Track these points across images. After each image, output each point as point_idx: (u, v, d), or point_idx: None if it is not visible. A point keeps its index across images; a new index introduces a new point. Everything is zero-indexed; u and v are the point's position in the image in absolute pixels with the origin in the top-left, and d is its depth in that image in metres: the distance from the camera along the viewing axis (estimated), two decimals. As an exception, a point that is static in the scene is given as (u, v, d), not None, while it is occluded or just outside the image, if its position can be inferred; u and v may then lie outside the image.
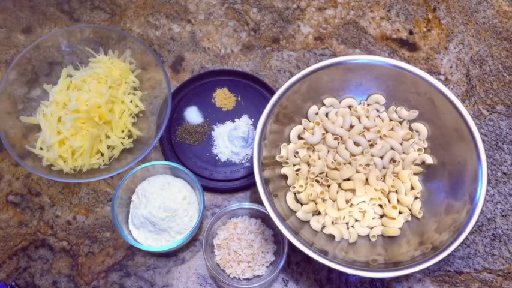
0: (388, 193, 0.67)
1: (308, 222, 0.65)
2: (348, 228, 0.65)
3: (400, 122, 0.70)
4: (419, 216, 0.65)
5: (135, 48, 0.76)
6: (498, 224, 0.71)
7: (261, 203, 0.60)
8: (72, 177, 0.69)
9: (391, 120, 0.70)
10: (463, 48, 0.84)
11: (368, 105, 0.71)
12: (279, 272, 0.65)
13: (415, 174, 0.68)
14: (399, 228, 0.65)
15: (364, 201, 0.66)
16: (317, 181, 0.66)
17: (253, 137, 0.74)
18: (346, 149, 0.67)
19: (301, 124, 0.70)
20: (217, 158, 0.74)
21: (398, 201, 0.66)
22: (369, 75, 0.68)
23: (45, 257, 0.69)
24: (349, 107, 0.71)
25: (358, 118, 0.70)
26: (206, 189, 0.72)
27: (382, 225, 0.66)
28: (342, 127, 0.69)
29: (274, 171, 0.65)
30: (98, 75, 0.74)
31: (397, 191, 0.67)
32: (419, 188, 0.67)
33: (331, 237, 0.64)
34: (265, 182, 0.61)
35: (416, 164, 0.68)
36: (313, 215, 0.66)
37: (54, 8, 0.87)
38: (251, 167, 0.73)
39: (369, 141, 0.67)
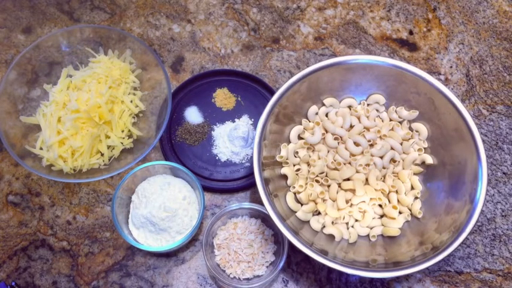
0: (388, 193, 0.67)
1: (308, 222, 0.65)
2: (348, 228, 0.66)
3: (400, 122, 0.70)
4: (419, 216, 0.65)
5: (135, 48, 0.76)
6: (498, 224, 0.71)
7: (261, 203, 0.60)
8: (72, 177, 0.69)
9: (391, 120, 0.70)
10: (463, 48, 0.84)
11: (368, 105, 0.71)
12: (279, 272, 0.65)
13: (415, 174, 0.68)
14: (399, 228, 0.65)
15: (364, 201, 0.66)
16: (317, 181, 0.66)
17: (253, 137, 0.74)
18: (346, 149, 0.67)
19: (301, 124, 0.70)
20: (217, 158, 0.74)
21: (398, 201, 0.66)
22: (369, 75, 0.68)
23: (45, 257, 0.69)
24: (349, 107, 0.71)
25: (358, 118, 0.70)
26: (206, 189, 0.72)
27: (382, 225, 0.66)
28: (342, 127, 0.69)
29: (274, 171, 0.65)
30: (98, 75, 0.74)
31: (397, 191, 0.67)
32: (419, 188, 0.67)
33: (331, 237, 0.64)
34: (265, 182, 0.61)
35: (416, 164, 0.68)
36: (313, 215, 0.66)
37: (54, 8, 0.87)
38: (251, 167, 0.73)
39: (369, 141, 0.67)
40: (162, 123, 0.70)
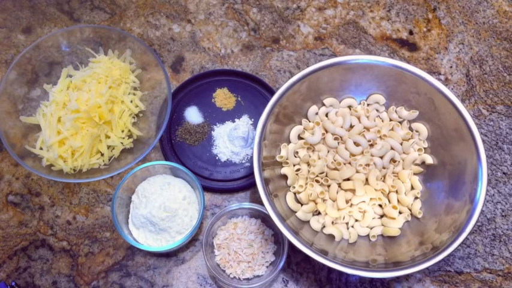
0: (388, 193, 0.67)
1: (308, 222, 0.65)
2: (348, 228, 0.66)
3: (400, 122, 0.70)
4: (419, 216, 0.65)
5: (135, 48, 0.76)
6: (498, 224, 0.71)
7: (261, 203, 0.60)
8: (72, 177, 0.69)
9: (391, 120, 0.70)
10: (463, 48, 0.84)
11: (368, 105, 0.71)
12: (279, 272, 0.65)
13: (415, 174, 0.68)
14: (399, 228, 0.65)
15: (364, 201, 0.66)
16: (317, 181, 0.66)
17: (253, 137, 0.74)
18: (346, 149, 0.67)
19: (301, 124, 0.70)
20: (217, 158, 0.74)
21: (398, 201, 0.66)
22: (369, 75, 0.68)
23: (45, 257, 0.69)
24: (349, 107, 0.71)
25: (358, 118, 0.70)
26: (206, 189, 0.72)
27: (382, 225, 0.66)
28: (342, 127, 0.69)
29: (274, 171, 0.65)
30: (98, 75, 0.74)
31: (397, 191, 0.67)
32: (419, 188, 0.67)
33: (331, 237, 0.64)
34: (265, 182, 0.61)
35: (416, 164, 0.68)
36: (313, 215, 0.66)
37: (54, 8, 0.87)
38: (251, 167, 0.73)
39: (369, 141, 0.67)
40: (162, 123, 0.70)
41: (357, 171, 0.66)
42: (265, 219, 0.68)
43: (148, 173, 0.69)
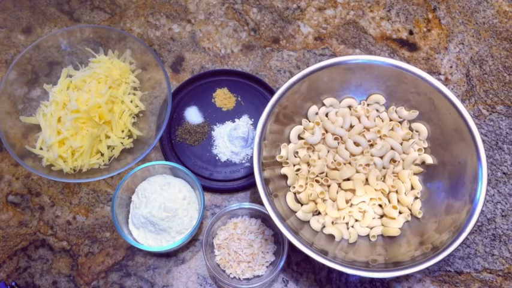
0: (388, 193, 0.67)
1: (308, 222, 0.65)
2: (348, 228, 0.66)
3: (400, 122, 0.70)
4: (419, 216, 0.65)
5: (135, 48, 0.76)
6: (498, 224, 0.71)
7: (261, 203, 0.60)
8: (72, 177, 0.69)
9: (391, 120, 0.70)
10: (463, 48, 0.84)
11: (368, 105, 0.71)
12: (279, 272, 0.65)
13: (415, 174, 0.68)
14: (399, 228, 0.65)
15: (364, 201, 0.66)
16: (317, 181, 0.66)
17: (253, 137, 0.74)
18: (346, 149, 0.67)
19: (301, 124, 0.70)
20: (217, 158, 0.74)
21: (398, 201, 0.66)
22: (369, 75, 0.68)
23: (45, 257, 0.69)
24: (349, 107, 0.71)
25: (358, 118, 0.70)
26: (206, 189, 0.72)
27: (382, 225, 0.66)
28: (342, 127, 0.69)
29: (274, 171, 0.65)
30: (98, 75, 0.74)
31: (397, 191, 0.67)
32: (419, 188, 0.67)
33: (331, 237, 0.64)
34: (265, 182, 0.61)
35: (416, 164, 0.68)
36: (313, 215, 0.66)
37: (54, 8, 0.87)
38: (251, 167, 0.73)
39: (369, 141, 0.67)
40: (162, 123, 0.70)
41: (357, 171, 0.66)
42: (265, 219, 0.68)
43: (148, 173, 0.69)
